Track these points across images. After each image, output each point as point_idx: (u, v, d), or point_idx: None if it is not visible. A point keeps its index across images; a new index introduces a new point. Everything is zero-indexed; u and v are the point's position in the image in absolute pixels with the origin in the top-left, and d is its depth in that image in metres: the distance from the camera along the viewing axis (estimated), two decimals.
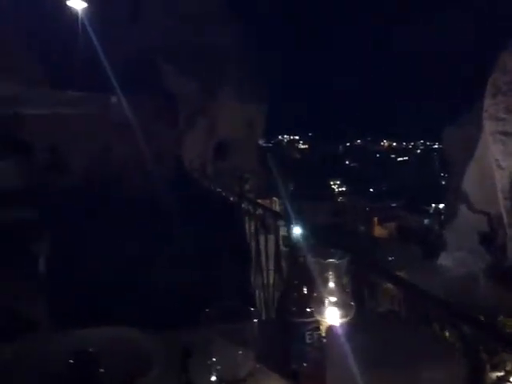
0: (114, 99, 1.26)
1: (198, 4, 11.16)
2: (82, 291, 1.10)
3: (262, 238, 2.70)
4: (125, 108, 1.20)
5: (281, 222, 2.67)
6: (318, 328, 0.82)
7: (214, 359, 0.67)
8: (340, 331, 0.73)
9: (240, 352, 0.68)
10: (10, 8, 10.83)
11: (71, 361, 0.73)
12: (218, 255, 1.19)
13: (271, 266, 2.79)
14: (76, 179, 4.00)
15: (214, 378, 0.69)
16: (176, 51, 10.54)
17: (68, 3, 9.21)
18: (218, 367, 0.68)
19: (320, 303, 0.78)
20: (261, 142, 12.46)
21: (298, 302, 0.83)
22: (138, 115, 1.18)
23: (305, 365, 0.81)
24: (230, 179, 5.91)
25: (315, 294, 0.80)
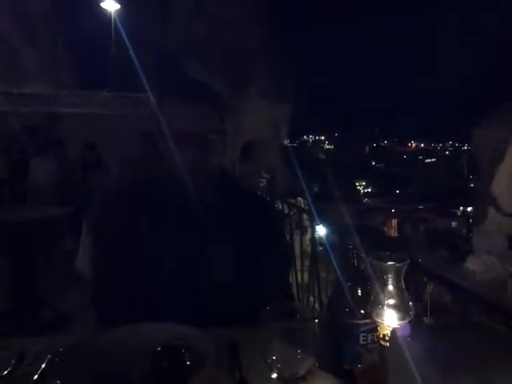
0: (156, 101, 1.22)
1: (226, 6, 11.25)
2: (127, 289, 1.11)
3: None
4: (175, 112, 1.16)
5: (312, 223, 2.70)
6: (372, 329, 0.82)
7: (274, 357, 0.69)
8: (405, 333, 0.74)
9: (299, 351, 0.69)
10: (44, 10, 11.15)
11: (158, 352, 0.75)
12: (261, 256, 1.19)
13: (299, 267, 2.83)
14: (110, 177, 4.12)
15: (274, 376, 0.71)
16: (204, 52, 10.67)
17: (102, 5, 9.41)
18: (279, 365, 0.69)
19: (378, 305, 0.78)
20: (286, 142, 12.46)
21: (351, 303, 0.84)
22: (190, 120, 1.15)
23: (359, 366, 0.81)
24: (255, 179, 5.96)
25: (373, 296, 0.80)
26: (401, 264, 0.77)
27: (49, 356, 0.83)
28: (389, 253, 0.77)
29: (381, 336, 0.79)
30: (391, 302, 0.78)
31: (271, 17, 11.88)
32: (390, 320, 0.77)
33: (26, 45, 10.70)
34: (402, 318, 0.77)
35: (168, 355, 0.78)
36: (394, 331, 0.76)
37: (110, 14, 9.47)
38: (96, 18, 9.61)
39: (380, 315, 0.78)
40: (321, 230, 3.35)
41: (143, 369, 0.78)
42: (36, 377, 0.80)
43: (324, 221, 3.31)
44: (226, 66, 9.74)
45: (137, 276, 1.13)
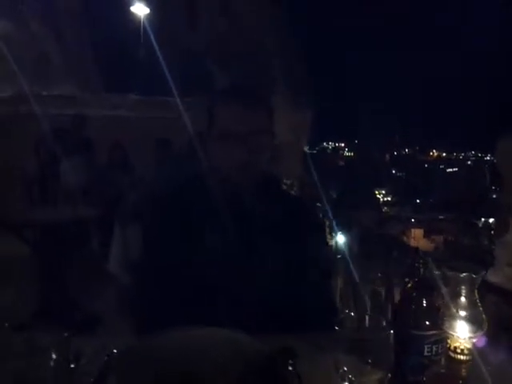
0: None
1: (251, 12, 11.36)
2: (172, 294, 1.12)
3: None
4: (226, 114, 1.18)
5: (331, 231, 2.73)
6: (437, 341, 0.81)
7: (345, 368, 0.69)
8: (480, 345, 0.73)
9: (370, 361, 0.69)
10: (72, 13, 11.41)
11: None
12: (307, 261, 1.20)
13: None
14: (138, 179, 4.22)
15: None
16: (228, 57, 10.80)
17: (132, 9, 9.56)
18: (350, 376, 0.70)
19: (450, 317, 0.76)
20: (305, 148, 12.46)
21: (416, 315, 0.82)
22: (241, 121, 1.16)
23: (423, 378, 0.80)
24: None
25: (444, 307, 0.78)
26: (477, 276, 0.76)
27: (106, 357, 0.85)
28: (464, 263, 0.78)
29: (452, 348, 0.77)
30: (463, 313, 0.75)
31: (293, 20, 11.95)
32: (462, 332, 0.75)
33: (54, 47, 10.96)
34: (474, 331, 0.75)
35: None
36: (470, 344, 0.74)
37: (139, 18, 9.61)
38: (124, 22, 9.80)
39: (452, 327, 0.76)
40: (340, 238, 3.38)
41: (205, 371, 0.79)
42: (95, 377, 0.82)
43: (343, 229, 3.34)
44: (248, 70, 9.83)
45: (182, 280, 1.13)
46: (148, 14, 9.58)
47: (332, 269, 1.43)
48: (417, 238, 4.04)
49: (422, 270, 0.85)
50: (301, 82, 10.69)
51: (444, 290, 0.78)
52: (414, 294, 0.84)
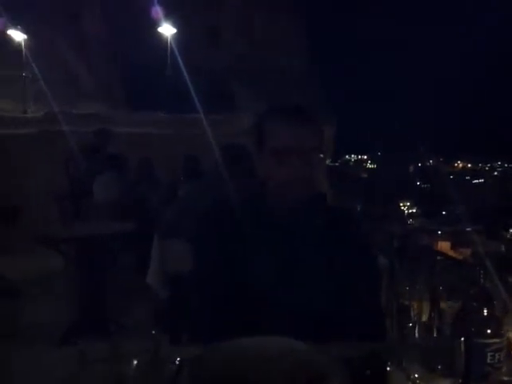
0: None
1: (271, 30, 11.55)
2: (226, 305, 1.15)
3: None
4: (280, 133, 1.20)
5: None
6: (500, 349, 0.82)
7: (416, 375, 0.72)
8: None
9: (439, 367, 0.72)
10: (99, 32, 11.80)
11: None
12: (358, 273, 1.21)
13: None
14: (170, 194, 4.34)
15: None
16: (248, 74, 10.98)
17: (159, 29, 9.80)
18: (419, 382, 0.72)
19: None
20: (327, 161, 12.49)
21: (478, 323, 0.84)
22: (294, 138, 1.19)
23: None
24: None
25: (507, 316, 0.81)
26: None
27: (176, 362, 0.89)
28: None
29: None
30: None
31: (315, 37, 12.11)
32: None
33: (82, 66, 11.34)
34: None
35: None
36: None
37: (166, 38, 9.82)
38: (152, 42, 10.04)
39: None
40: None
41: (272, 378, 0.82)
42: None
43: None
44: (268, 87, 9.97)
45: (235, 292, 1.16)
46: (174, 34, 9.81)
47: (381, 281, 1.41)
48: (444, 250, 4.00)
49: (482, 279, 0.88)
50: (324, 97, 10.78)
51: (505, 297, 0.82)
52: (475, 304, 0.86)
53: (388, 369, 0.75)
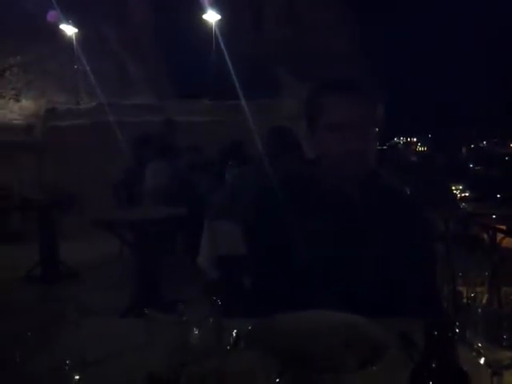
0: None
1: (317, 13, 11.36)
2: (283, 285, 1.15)
3: None
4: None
5: None
6: None
7: (479, 344, 0.71)
8: None
9: (505, 337, 0.71)
10: (147, 23, 12.02)
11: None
12: (415, 254, 1.20)
13: None
14: (218, 179, 4.44)
15: (482, 361, 0.73)
16: (292, 57, 10.88)
17: (204, 16, 9.84)
18: (482, 351, 0.71)
19: None
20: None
21: None
22: (352, 112, 1.17)
23: None
24: None
25: None
26: None
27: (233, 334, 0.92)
28: None
29: None
30: None
31: (360, 17, 11.80)
32: None
33: (131, 58, 11.62)
34: None
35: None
36: None
37: (211, 25, 9.85)
38: (197, 30, 10.10)
39: None
40: None
41: (334, 347, 0.83)
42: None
43: None
44: (312, 69, 9.84)
45: (292, 271, 1.17)
46: (219, 21, 9.83)
47: (436, 263, 1.34)
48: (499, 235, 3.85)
49: None
50: (372, 81, 10.55)
51: None
52: None
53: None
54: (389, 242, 1.19)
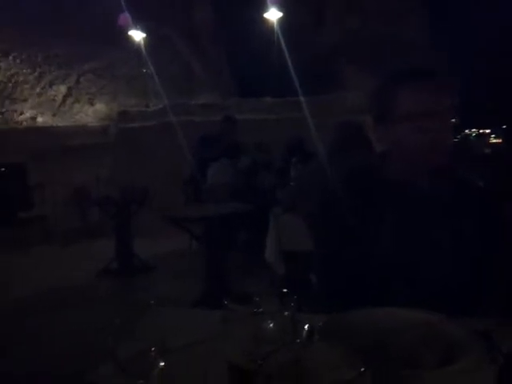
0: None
1: (382, 2, 11.02)
2: (350, 280, 1.15)
3: None
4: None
5: None
6: None
7: None
8: None
9: None
10: (211, 26, 12.24)
11: None
12: (489, 249, 1.16)
13: None
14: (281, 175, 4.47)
15: None
16: (357, 50, 10.63)
17: (265, 15, 9.88)
18: None
19: None
20: None
21: None
22: (431, 100, 1.15)
23: None
24: None
25: None
26: None
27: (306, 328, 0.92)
28: None
29: None
30: None
31: (432, 6, 11.30)
32: None
33: (195, 58, 11.89)
34: None
35: None
36: None
37: (272, 23, 9.87)
38: (259, 28, 10.15)
39: None
40: None
41: (411, 342, 0.82)
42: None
43: None
44: (378, 62, 9.57)
45: (363, 267, 1.15)
46: (280, 19, 9.82)
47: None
48: None
49: None
50: (444, 72, 10.08)
51: None
52: None
53: None
54: (464, 238, 1.15)
